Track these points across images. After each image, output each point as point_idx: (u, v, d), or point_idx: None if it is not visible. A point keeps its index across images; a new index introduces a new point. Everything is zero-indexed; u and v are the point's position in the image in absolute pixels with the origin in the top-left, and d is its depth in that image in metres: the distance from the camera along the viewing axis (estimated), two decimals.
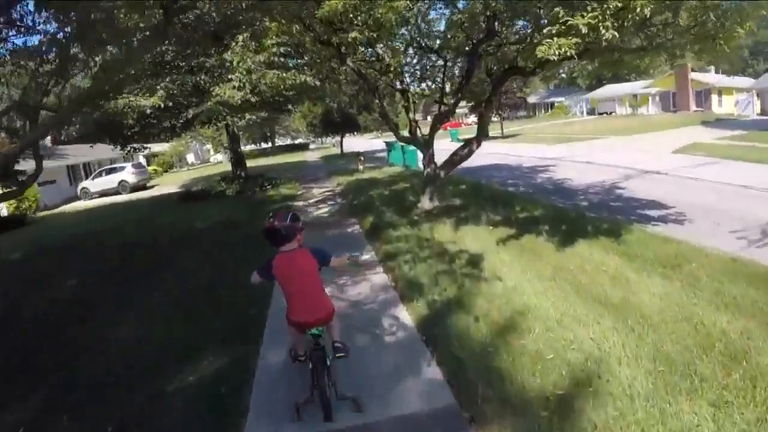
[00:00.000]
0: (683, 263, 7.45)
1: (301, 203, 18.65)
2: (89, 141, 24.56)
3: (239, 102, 17.78)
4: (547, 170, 20.97)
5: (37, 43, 8.23)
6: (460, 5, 11.02)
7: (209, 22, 19.35)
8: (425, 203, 12.50)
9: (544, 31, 6.04)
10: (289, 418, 4.51)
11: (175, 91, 19.42)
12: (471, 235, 10.11)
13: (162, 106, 18.97)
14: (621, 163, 20.16)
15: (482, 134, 11.87)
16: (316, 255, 4.51)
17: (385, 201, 15.37)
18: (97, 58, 9.10)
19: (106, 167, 38.19)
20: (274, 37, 12.71)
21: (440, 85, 13.23)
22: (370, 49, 12.85)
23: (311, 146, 77.82)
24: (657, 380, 4.45)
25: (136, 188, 36.32)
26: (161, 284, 9.51)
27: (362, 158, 28.87)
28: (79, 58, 8.35)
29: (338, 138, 50.59)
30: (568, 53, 5.86)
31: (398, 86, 13.42)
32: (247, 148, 67.13)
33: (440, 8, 12.42)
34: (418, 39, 12.25)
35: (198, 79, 19.59)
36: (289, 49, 16.73)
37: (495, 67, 11.89)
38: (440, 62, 13.14)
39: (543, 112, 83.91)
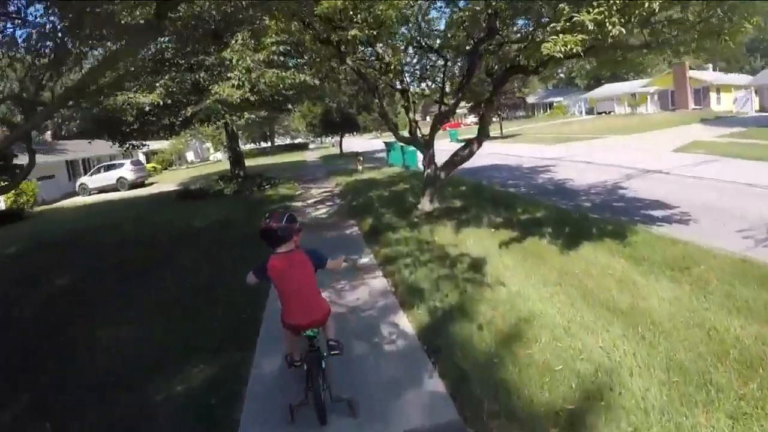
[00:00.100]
0: (691, 265, 7.25)
1: (299, 204, 18.43)
2: (88, 137, 24.46)
3: (238, 101, 17.64)
4: (548, 170, 20.79)
5: (34, 36, 7.99)
6: (461, 4, 10.84)
7: (209, 20, 19.29)
8: (425, 205, 12.27)
9: (549, 27, 5.80)
10: (283, 429, 4.37)
11: (174, 89, 19.25)
12: (472, 237, 9.87)
13: (161, 103, 18.87)
14: (622, 163, 20.02)
15: (483, 134, 11.65)
16: (312, 257, 4.42)
17: (384, 202, 15.15)
18: (95, 52, 8.94)
19: (104, 164, 38.18)
20: (273, 35, 12.53)
21: (440, 85, 13.01)
22: (369, 49, 12.66)
23: (310, 146, 77.70)
24: (671, 392, 4.25)
25: (134, 185, 36.41)
26: (155, 284, 9.33)
27: (361, 158, 28.72)
28: (74, 52, 8.11)
29: (337, 138, 50.49)
30: (574, 50, 5.64)
31: (398, 86, 13.20)
32: (246, 147, 67.19)
33: (441, 7, 12.26)
34: (418, 38, 12.05)
35: (197, 77, 19.42)
36: (288, 48, 16.58)
37: (496, 67, 11.68)
38: (440, 62, 12.94)
39: (542, 112, 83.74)
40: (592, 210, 12.13)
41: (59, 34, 7.37)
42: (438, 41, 12.14)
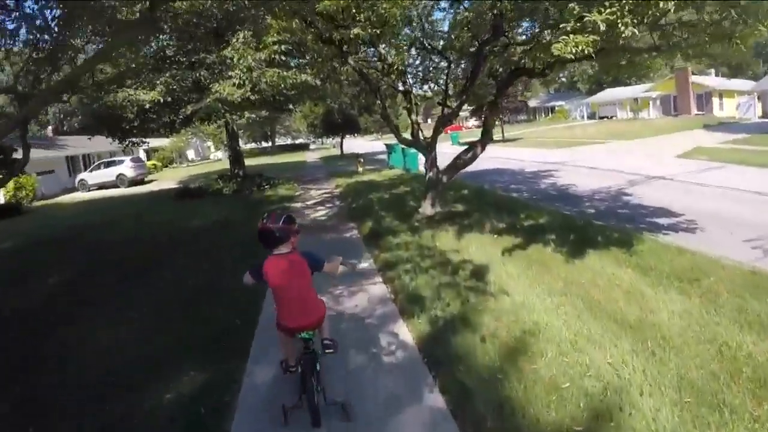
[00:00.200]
0: (701, 277, 7.04)
1: (298, 205, 18.21)
2: (88, 133, 24.39)
3: (239, 100, 17.49)
4: (551, 175, 20.58)
5: (23, 28, 7.83)
6: (465, 4, 10.65)
7: (211, 18, 19.14)
8: (427, 209, 12.05)
9: (559, 27, 5.58)
10: None
11: (174, 87, 19.10)
12: (475, 243, 9.64)
13: (161, 101, 18.73)
14: (625, 168, 19.84)
15: (487, 138, 11.43)
16: (309, 259, 4.37)
17: (384, 205, 14.92)
18: (92, 47, 8.79)
19: (104, 160, 38.12)
20: (275, 34, 12.33)
21: (443, 87, 12.80)
22: (372, 49, 12.46)
23: (311, 146, 77.71)
24: (683, 412, 4.04)
25: (134, 182, 36.43)
26: (148, 286, 9.15)
27: (362, 160, 28.60)
28: (68, 45, 7.92)
29: (338, 139, 50.40)
30: (586, 51, 5.42)
31: (400, 87, 13.00)
32: (247, 146, 67.29)
33: (445, 8, 12.06)
34: (421, 39, 11.85)
35: (198, 75, 19.27)
36: (290, 48, 16.41)
37: (500, 69, 11.47)
38: (444, 63, 12.75)
39: (543, 116, 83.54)
40: (596, 217, 11.90)
41: (54, 28, 7.18)
42: (441, 42, 11.95)
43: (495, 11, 8.48)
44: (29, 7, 8.46)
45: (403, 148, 25.01)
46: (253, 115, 26.06)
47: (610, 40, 5.87)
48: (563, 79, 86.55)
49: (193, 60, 19.84)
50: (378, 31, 10.10)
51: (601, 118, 66.77)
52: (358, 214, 14.19)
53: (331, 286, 7.65)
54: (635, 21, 5.36)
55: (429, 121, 67.43)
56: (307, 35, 10.77)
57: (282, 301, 4.34)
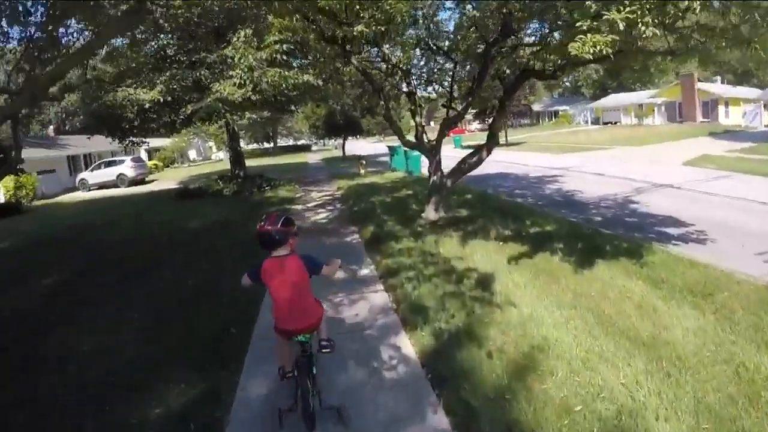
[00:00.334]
0: (714, 291, 6.76)
1: (299, 207, 17.95)
2: (89, 132, 24.24)
3: (240, 100, 17.27)
4: (555, 181, 20.29)
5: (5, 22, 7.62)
6: (472, 4, 10.39)
7: (212, 17, 18.95)
8: (430, 213, 11.76)
9: (575, 26, 5.28)
10: None
11: (175, 86, 18.88)
12: (480, 251, 9.33)
13: (161, 100, 18.51)
14: (631, 175, 19.58)
15: (493, 141, 11.15)
16: (307, 262, 4.32)
17: (386, 209, 14.63)
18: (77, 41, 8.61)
19: (105, 159, 38.01)
20: (276, 33, 12.09)
21: (448, 89, 12.54)
22: (375, 49, 12.21)
23: (313, 148, 77.56)
24: None
25: (134, 182, 36.26)
26: (147, 286, 9.02)
27: (364, 162, 28.37)
28: (57, 39, 7.69)
29: (340, 140, 50.24)
30: (604, 51, 5.13)
31: (405, 88, 12.73)
32: (249, 147, 67.13)
33: (451, 7, 11.84)
34: (426, 39, 11.58)
35: (198, 74, 19.04)
36: (292, 47, 16.20)
37: (508, 71, 11.21)
38: (448, 65, 12.50)
39: (547, 120, 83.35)
40: (603, 224, 11.63)
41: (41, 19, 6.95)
42: (447, 43, 11.69)
43: (504, 10, 8.19)
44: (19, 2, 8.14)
45: (405, 151, 24.84)
46: (254, 116, 25.90)
47: (628, 41, 5.60)
48: (567, 84, 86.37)
49: (193, 59, 19.64)
50: (383, 29, 9.83)
51: (605, 123, 66.50)
52: (360, 218, 13.90)
53: (331, 294, 7.38)
54: (656, 21, 5.08)
55: (432, 123, 67.39)
56: (309, 34, 10.51)
57: (279, 304, 4.27)
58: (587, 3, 5.14)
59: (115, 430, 4.61)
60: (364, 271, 8.85)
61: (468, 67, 12.82)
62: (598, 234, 10.39)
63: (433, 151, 11.84)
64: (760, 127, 44.86)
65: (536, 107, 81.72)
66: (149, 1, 6.97)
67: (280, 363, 4.68)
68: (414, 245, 9.98)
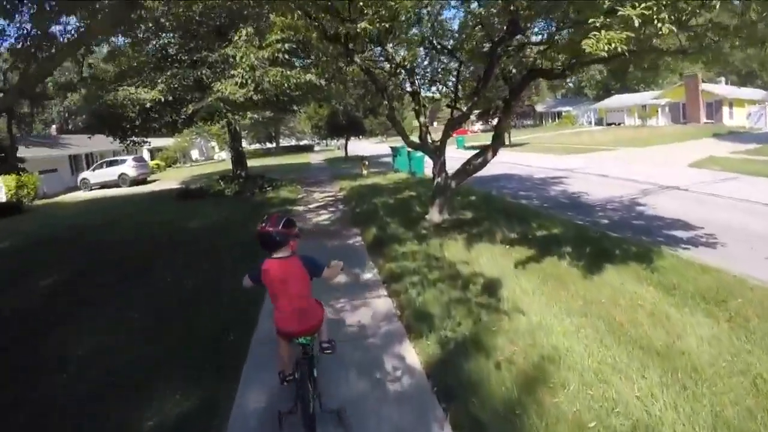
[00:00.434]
0: (727, 298, 6.56)
1: (301, 208, 17.77)
2: (90, 132, 24.17)
3: (241, 99, 17.10)
4: (560, 182, 20.08)
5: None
6: (477, 2, 10.21)
7: (214, 16, 18.82)
8: (434, 216, 11.54)
9: (588, 22, 5.07)
10: None
11: (176, 86, 18.71)
12: (486, 254, 9.10)
13: (162, 100, 18.36)
14: (636, 177, 19.41)
15: (498, 142, 10.93)
16: (308, 264, 4.29)
17: (389, 210, 14.40)
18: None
19: (107, 159, 37.99)
20: (278, 32, 11.93)
21: (452, 89, 12.33)
22: (378, 48, 12.02)
23: (316, 148, 77.43)
24: None
25: (136, 182, 36.18)
26: (147, 286, 8.97)
27: (367, 162, 28.16)
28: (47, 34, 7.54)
29: (343, 141, 50.09)
30: (619, 49, 4.92)
31: (408, 88, 12.53)
32: (251, 147, 67.11)
33: (455, 6, 11.63)
34: (430, 38, 11.37)
35: (200, 73, 18.88)
36: (294, 46, 16.05)
37: (514, 70, 10.99)
38: (453, 64, 12.29)
39: (550, 121, 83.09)
40: (610, 227, 11.42)
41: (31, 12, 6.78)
42: (451, 42, 11.47)
43: (512, 7, 7.98)
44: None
45: (408, 151, 24.65)
46: (256, 116, 25.69)
47: (642, 39, 5.39)
48: (571, 85, 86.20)
49: (195, 58, 19.48)
50: (387, 26, 9.62)
51: (609, 124, 66.21)
52: (362, 220, 13.69)
53: (333, 299, 7.19)
54: (671, 18, 4.87)
55: (435, 124, 67.15)
56: (312, 33, 10.30)
57: (279, 306, 4.25)
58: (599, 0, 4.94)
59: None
60: (367, 275, 8.66)
61: (472, 67, 12.63)
62: (606, 237, 10.17)
63: (437, 152, 11.64)
64: (765, 128, 44.67)
65: (539, 108, 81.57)
66: None
67: (280, 367, 4.58)
68: (418, 248, 9.76)
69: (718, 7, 4.97)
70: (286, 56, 16.09)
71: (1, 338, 7.17)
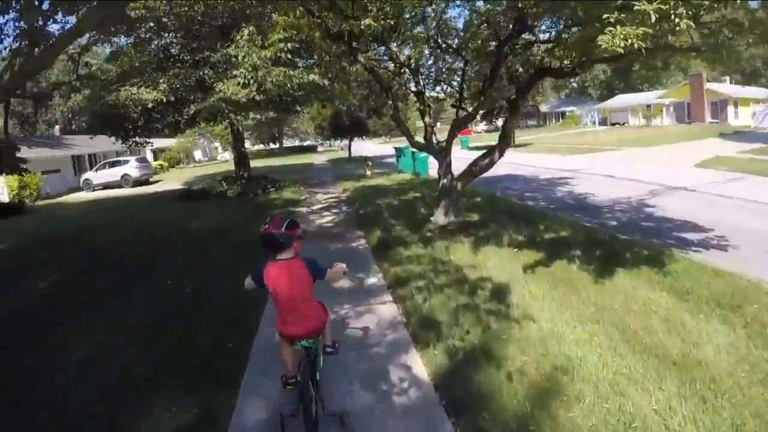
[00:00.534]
0: (743, 303, 6.35)
1: (304, 209, 17.59)
2: (92, 132, 24.13)
3: (244, 100, 16.95)
4: (566, 183, 19.85)
5: None
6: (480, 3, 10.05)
7: (216, 16, 18.69)
8: (439, 218, 11.34)
9: (602, 18, 4.87)
10: None
11: (178, 86, 18.56)
12: (493, 258, 8.87)
13: (164, 100, 18.22)
14: (643, 177, 19.15)
15: (505, 143, 10.73)
16: (311, 267, 4.22)
17: (394, 212, 14.21)
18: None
19: (110, 160, 37.95)
20: (281, 31, 11.74)
21: (457, 88, 12.14)
22: (383, 47, 11.83)
23: (319, 149, 77.40)
24: None
25: (138, 182, 36.16)
26: (147, 286, 8.91)
27: (370, 163, 27.99)
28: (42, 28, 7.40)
29: (346, 141, 49.99)
30: (636, 45, 4.71)
31: (413, 88, 12.33)
32: (255, 147, 67.11)
33: (460, 4, 11.44)
34: (435, 37, 11.17)
35: (202, 74, 18.73)
36: (296, 46, 15.88)
37: (521, 69, 10.78)
38: (458, 63, 12.11)
39: (554, 121, 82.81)
40: (619, 229, 11.19)
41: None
42: (456, 41, 11.28)
43: (519, 4, 7.78)
44: None
45: (413, 152, 24.50)
46: (259, 116, 25.58)
47: (656, 36, 5.19)
48: (574, 84, 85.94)
49: (197, 58, 19.34)
50: (392, 23, 9.41)
51: (613, 124, 65.87)
52: (366, 221, 13.52)
53: (336, 305, 7.01)
54: (689, 13, 4.67)
55: (438, 124, 67.00)
56: (315, 32, 10.11)
57: (282, 308, 4.23)
58: None
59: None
60: (372, 280, 8.47)
61: (477, 67, 12.43)
62: (615, 240, 9.94)
63: (443, 153, 11.44)
64: None
65: (543, 108, 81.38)
66: None
67: (282, 371, 4.57)
68: (423, 252, 9.56)
69: (739, 1, 4.76)
70: (289, 56, 15.87)
71: (1, 338, 7.12)
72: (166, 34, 20.44)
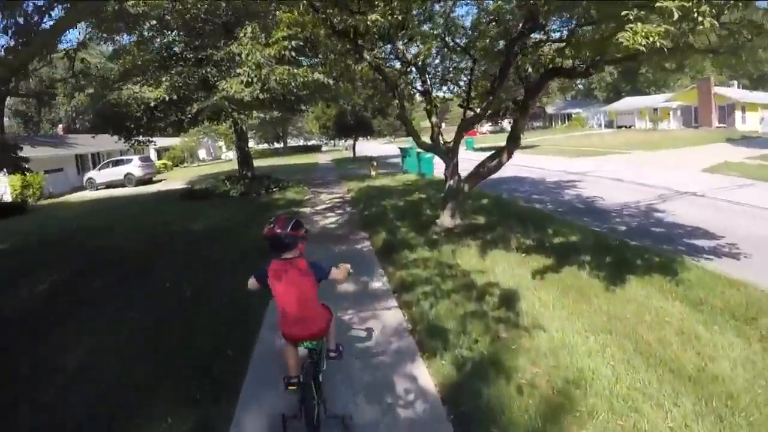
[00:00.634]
0: (758, 315, 6.16)
1: (307, 210, 17.40)
2: (95, 131, 24.05)
3: (247, 98, 16.77)
4: (574, 186, 19.64)
5: None
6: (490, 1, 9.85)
7: (219, 13, 18.53)
8: (446, 220, 11.14)
9: (622, 15, 4.67)
10: None
11: (180, 84, 18.40)
12: (501, 263, 8.66)
13: (167, 99, 18.05)
14: (651, 182, 18.95)
15: (514, 144, 10.49)
16: (314, 268, 4.22)
17: (399, 213, 14.01)
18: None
19: (113, 159, 37.90)
20: (285, 29, 11.56)
21: (464, 88, 11.93)
22: (389, 46, 11.64)
23: (323, 148, 77.30)
24: None
25: (141, 182, 36.04)
26: (141, 289, 8.81)
27: (375, 163, 27.85)
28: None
29: (351, 141, 49.86)
30: (657, 43, 4.51)
31: (419, 87, 12.15)
32: (259, 147, 67.10)
33: (468, 3, 11.27)
34: (443, 35, 10.97)
35: (205, 72, 18.57)
36: (301, 43, 15.70)
37: (530, 69, 10.57)
38: (465, 63, 11.92)
39: (560, 123, 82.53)
40: (629, 235, 10.97)
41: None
42: (465, 40, 11.07)
43: (531, 1, 7.58)
44: None
45: (418, 152, 24.33)
46: (263, 115, 25.41)
47: (677, 35, 5.00)
48: (581, 86, 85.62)
49: (200, 56, 19.18)
50: (399, 18, 9.20)
51: (619, 127, 65.64)
52: (371, 223, 13.32)
53: (340, 310, 6.80)
54: (713, 11, 4.47)
55: (444, 125, 66.78)
56: (320, 29, 9.92)
57: (285, 309, 4.18)
58: None
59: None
60: (377, 284, 8.27)
61: (484, 66, 12.22)
62: (626, 246, 9.72)
63: (449, 154, 11.24)
64: None
65: (549, 110, 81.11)
66: None
67: (285, 373, 4.41)
68: (430, 255, 9.36)
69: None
70: (293, 54, 15.67)
71: (1, 338, 7.07)
72: (169, 32, 20.28)
